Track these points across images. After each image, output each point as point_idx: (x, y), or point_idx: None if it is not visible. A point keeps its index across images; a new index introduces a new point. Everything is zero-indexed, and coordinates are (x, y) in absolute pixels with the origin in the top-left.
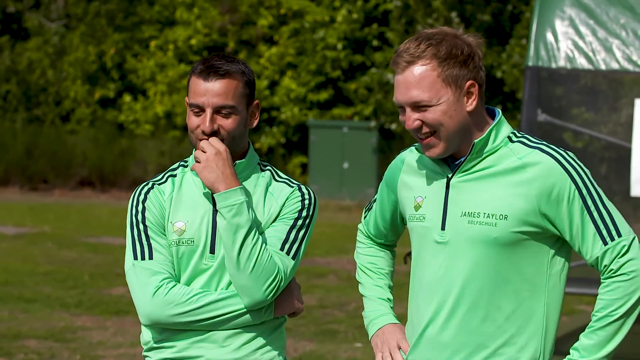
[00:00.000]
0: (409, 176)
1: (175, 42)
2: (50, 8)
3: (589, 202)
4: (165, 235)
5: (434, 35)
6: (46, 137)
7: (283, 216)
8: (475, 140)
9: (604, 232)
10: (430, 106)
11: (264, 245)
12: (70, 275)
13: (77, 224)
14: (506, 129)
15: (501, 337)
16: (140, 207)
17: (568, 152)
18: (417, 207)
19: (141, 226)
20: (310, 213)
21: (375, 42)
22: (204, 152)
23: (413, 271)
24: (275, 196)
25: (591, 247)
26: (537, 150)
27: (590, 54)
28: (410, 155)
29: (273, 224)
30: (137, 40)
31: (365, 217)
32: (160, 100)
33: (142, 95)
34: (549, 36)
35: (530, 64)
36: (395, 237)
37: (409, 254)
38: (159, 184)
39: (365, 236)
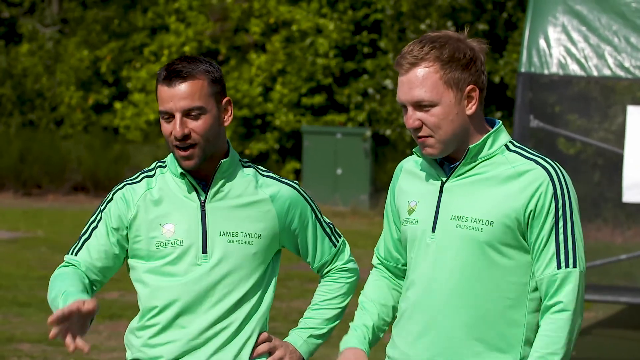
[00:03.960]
0: (405, 182)
1: (169, 48)
2: (44, 14)
3: (561, 223)
4: (111, 234)
5: (437, 38)
6: (40, 142)
7: (303, 222)
8: (471, 146)
9: (562, 256)
10: (432, 106)
11: (345, 297)
12: None
13: (70, 228)
14: (504, 137)
15: (482, 343)
16: (103, 206)
17: (564, 171)
18: (410, 211)
19: (94, 224)
20: (312, 200)
21: (366, 50)
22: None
23: (406, 274)
24: (269, 196)
25: (544, 265)
26: (532, 162)
27: (583, 60)
28: (408, 162)
29: (301, 234)
30: (131, 47)
31: (377, 246)
32: (151, 106)
33: (132, 105)
34: (542, 42)
35: (522, 70)
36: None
37: None
38: (132, 184)
39: (378, 264)
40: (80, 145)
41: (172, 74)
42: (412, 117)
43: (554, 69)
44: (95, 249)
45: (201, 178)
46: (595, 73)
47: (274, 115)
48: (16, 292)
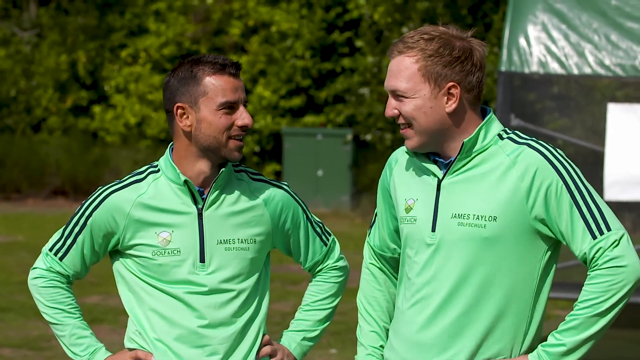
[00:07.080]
0: (401, 176)
1: (147, 50)
2: (22, 17)
3: (578, 197)
4: (96, 244)
5: (431, 31)
6: (18, 147)
7: (295, 223)
8: (465, 140)
9: (593, 226)
10: (406, 97)
11: (334, 299)
12: None
13: (51, 233)
14: (497, 126)
15: (486, 338)
16: (88, 212)
17: (557, 149)
18: (407, 210)
19: (77, 229)
20: (302, 200)
21: (342, 49)
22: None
23: (401, 273)
24: (262, 200)
25: (580, 242)
26: (525, 147)
27: (563, 58)
28: (402, 156)
29: (293, 235)
30: (109, 49)
31: (369, 233)
32: (131, 110)
33: (111, 107)
34: (522, 41)
35: (503, 69)
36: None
37: None
38: (120, 189)
39: (373, 254)
40: (59, 149)
41: (232, 66)
42: (390, 106)
43: (535, 67)
44: (79, 257)
45: (199, 186)
46: (575, 71)
47: (253, 119)
48: None
